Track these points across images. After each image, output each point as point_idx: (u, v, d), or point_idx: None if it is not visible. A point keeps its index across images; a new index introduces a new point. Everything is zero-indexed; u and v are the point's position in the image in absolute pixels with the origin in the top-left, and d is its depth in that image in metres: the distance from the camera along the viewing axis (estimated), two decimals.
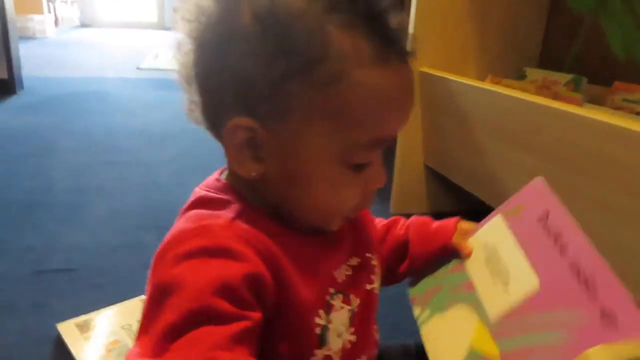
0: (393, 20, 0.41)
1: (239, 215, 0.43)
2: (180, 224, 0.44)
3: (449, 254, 0.58)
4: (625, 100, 1.01)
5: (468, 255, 0.56)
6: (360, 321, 0.49)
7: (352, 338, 0.48)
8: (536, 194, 0.53)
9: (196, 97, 0.45)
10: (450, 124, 1.20)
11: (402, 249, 0.61)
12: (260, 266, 0.41)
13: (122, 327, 0.86)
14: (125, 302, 0.92)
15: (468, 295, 0.53)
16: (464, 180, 1.19)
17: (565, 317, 0.43)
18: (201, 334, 0.37)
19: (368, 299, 0.51)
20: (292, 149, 0.42)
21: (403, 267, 0.61)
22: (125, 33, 5.85)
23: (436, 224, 0.60)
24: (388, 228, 0.62)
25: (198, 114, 0.46)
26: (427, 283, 0.59)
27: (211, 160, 1.71)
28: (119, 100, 2.65)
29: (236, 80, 0.41)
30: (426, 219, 0.62)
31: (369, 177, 0.45)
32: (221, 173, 0.50)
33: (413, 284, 0.60)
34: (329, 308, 0.45)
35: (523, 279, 0.49)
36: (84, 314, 0.89)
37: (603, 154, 0.74)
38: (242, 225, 0.42)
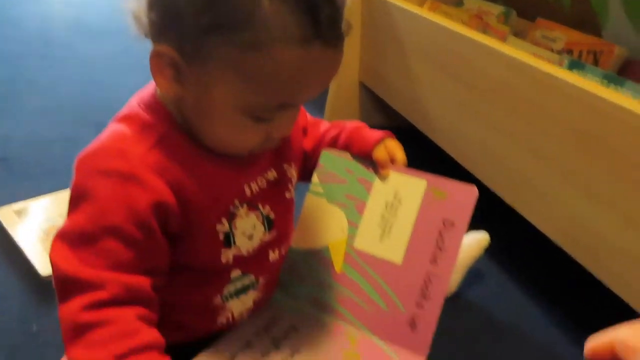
0: (327, 4, 0.43)
1: (158, 143, 0.48)
2: (103, 137, 0.48)
3: (368, 159, 0.61)
4: (544, 36, 1.09)
5: (383, 176, 0.60)
6: (279, 225, 0.57)
7: (272, 237, 0.57)
8: (463, 200, 0.56)
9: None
10: (387, 45, 1.25)
11: (330, 147, 0.65)
12: (168, 195, 0.47)
13: (60, 215, 0.91)
14: (62, 191, 0.96)
15: (354, 213, 0.61)
16: (394, 101, 1.27)
17: (393, 297, 0.56)
18: (107, 249, 0.44)
19: (285, 205, 0.59)
20: (205, 88, 0.45)
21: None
22: None
23: (367, 130, 0.63)
24: (328, 129, 0.66)
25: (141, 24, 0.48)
26: (338, 166, 0.62)
27: None
28: None
29: (170, 12, 0.44)
30: (362, 123, 0.65)
31: (273, 127, 0.49)
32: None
33: (328, 153, 0.63)
34: (232, 216, 0.52)
35: (396, 246, 0.58)
36: (21, 201, 0.93)
37: (514, 87, 0.83)
38: (157, 155, 0.47)
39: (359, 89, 1.44)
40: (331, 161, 0.62)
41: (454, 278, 0.84)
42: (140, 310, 0.45)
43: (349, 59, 1.40)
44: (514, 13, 1.21)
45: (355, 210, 0.61)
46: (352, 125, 0.64)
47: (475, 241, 0.86)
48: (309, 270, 0.60)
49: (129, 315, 0.44)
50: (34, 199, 0.94)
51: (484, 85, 0.90)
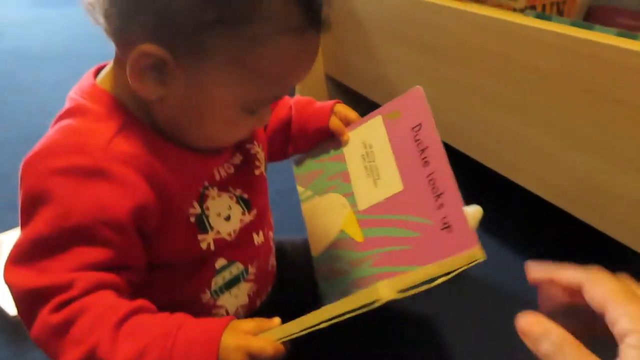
0: None
1: (118, 132, 0.43)
2: (52, 134, 0.43)
3: (328, 137, 0.63)
4: None
5: (345, 141, 0.62)
6: (257, 203, 0.55)
7: (253, 219, 0.54)
8: (414, 103, 0.57)
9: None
10: (347, 32, 1.21)
11: (285, 129, 0.65)
12: (143, 188, 0.43)
13: None
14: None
15: (344, 185, 0.60)
16: (361, 86, 1.23)
17: (419, 220, 0.52)
18: (73, 253, 0.40)
19: (257, 182, 0.56)
20: (199, 86, 0.42)
21: (290, 149, 0.65)
22: None
23: (316, 105, 0.64)
24: (275, 109, 0.65)
25: (99, 15, 0.43)
26: (310, 165, 0.65)
27: None
28: None
29: (158, 8, 0.39)
30: (309, 99, 0.65)
31: (259, 117, 0.48)
32: (96, 74, 0.48)
33: (298, 163, 0.66)
34: (202, 198, 0.49)
35: (390, 179, 0.56)
36: None
37: (474, 44, 0.80)
38: (121, 145, 0.43)
39: (325, 82, 1.41)
40: (302, 165, 0.65)
41: None
42: (117, 293, 0.41)
43: None
44: None
45: (343, 183, 0.60)
46: (299, 103, 0.64)
47: (469, 215, 0.82)
48: (338, 262, 0.58)
49: (105, 295, 0.40)
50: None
51: (452, 50, 0.87)
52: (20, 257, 0.40)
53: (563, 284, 0.33)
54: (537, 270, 0.36)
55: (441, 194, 0.51)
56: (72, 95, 0.46)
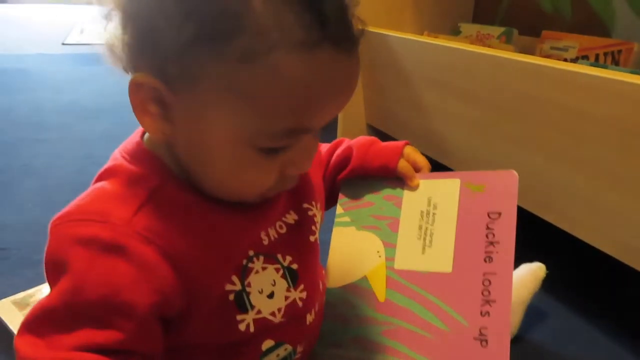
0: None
1: (148, 200, 0.40)
2: (83, 196, 0.41)
3: (390, 177, 0.57)
4: (552, 48, 1.05)
5: (412, 188, 0.55)
6: (306, 277, 0.48)
7: (303, 295, 0.48)
8: (503, 186, 0.52)
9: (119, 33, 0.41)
10: (390, 81, 1.21)
11: (343, 164, 0.59)
12: (166, 272, 0.39)
13: None
14: None
15: (389, 233, 0.54)
16: (406, 136, 1.21)
17: (454, 315, 0.47)
18: (79, 331, 0.36)
19: (310, 251, 0.50)
20: (198, 119, 0.38)
21: (341, 176, 0.59)
22: (46, 8, 5.45)
23: (382, 144, 0.58)
24: (332, 149, 0.61)
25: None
26: (360, 192, 0.58)
27: None
28: (43, 76, 2.48)
29: (145, 30, 0.37)
30: (373, 138, 0.60)
31: (288, 161, 0.41)
32: (144, 133, 0.46)
33: (348, 183, 0.59)
34: (245, 272, 0.44)
35: (441, 254, 0.51)
36: (21, 292, 0.84)
37: (533, 95, 0.77)
38: (147, 217, 0.39)
39: (367, 131, 1.39)
40: (352, 187, 0.58)
41: (514, 319, 0.74)
42: None
43: (353, 102, 1.36)
44: (515, 32, 1.18)
45: (389, 230, 0.54)
46: (362, 141, 0.58)
47: (530, 272, 0.76)
48: (348, 309, 0.52)
49: None
50: (34, 288, 0.86)
51: (501, 101, 0.84)
52: (31, 324, 0.38)
53: None
54: None
55: (492, 301, 0.46)
56: (115, 154, 0.45)
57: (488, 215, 0.50)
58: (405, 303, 0.50)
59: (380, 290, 0.52)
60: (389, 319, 0.50)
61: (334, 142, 0.61)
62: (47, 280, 0.40)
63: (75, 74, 2.54)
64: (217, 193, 0.42)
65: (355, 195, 0.58)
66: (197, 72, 0.36)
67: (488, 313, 0.45)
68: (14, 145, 1.55)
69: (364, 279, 0.53)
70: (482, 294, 0.46)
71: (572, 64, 0.73)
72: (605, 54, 0.95)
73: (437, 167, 1.01)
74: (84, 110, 1.92)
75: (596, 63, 0.91)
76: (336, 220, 0.58)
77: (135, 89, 0.38)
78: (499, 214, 0.50)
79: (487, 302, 0.46)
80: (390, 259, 0.53)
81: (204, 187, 0.42)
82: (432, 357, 0.46)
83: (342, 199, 0.58)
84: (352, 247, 0.56)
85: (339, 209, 0.58)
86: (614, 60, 0.94)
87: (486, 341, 0.44)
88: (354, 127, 1.39)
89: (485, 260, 0.48)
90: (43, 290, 0.85)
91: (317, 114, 0.38)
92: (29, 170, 1.38)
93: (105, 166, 0.44)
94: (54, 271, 0.39)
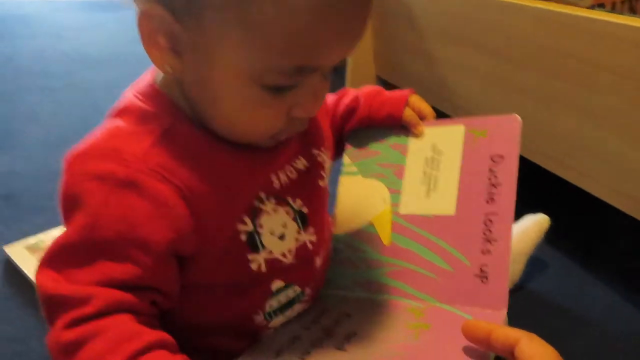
0: None
1: (161, 138, 0.40)
2: (96, 134, 0.42)
3: (396, 125, 0.58)
4: None
5: (417, 135, 0.56)
6: (316, 221, 0.49)
7: (313, 238, 0.49)
8: (506, 130, 0.52)
9: None
10: (401, 32, 1.18)
11: (350, 114, 0.60)
12: (180, 209, 0.39)
13: None
14: None
15: (394, 179, 0.56)
16: (416, 89, 1.19)
17: (457, 255, 0.48)
18: (97, 265, 0.38)
19: (320, 195, 0.51)
20: (205, 52, 0.37)
21: (348, 126, 0.60)
22: None
23: (388, 93, 0.59)
24: (338, 99, 0.61)
25: None
26: (366, 142, 0.59)
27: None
28: (45, 23, 2.43)
29: None
30: (378, 88, 0.60)
31: (295, 102, 0.40)
32: (154, 73, 0.45)
33: (354, 134, 0.60)
34: (256, 213, 0.44)
35: (445, 198, 0.52)
36: (31, 235, 0.86)
37: (547, 44, 0.75)
38: (161, 154, 0.40)
39: (376, 84, 1.37)
40: (358, 137, 0.59)
41: (515, 268, 0.75)
42: (136, 317, 0.38)
43: (362, 53, 1.33)
44: None
45: (394, 177, 0.55)
46: (367, 91, 0.59)
47: (534, 224, 0.77)
48: (354, 253, 0.54)
49: (122, 319, 0.37)
50: (45, 232, 0.87)
51: (513, 51, 0.82)
52: (51, 259, 0.39)
53: (500, 340, 0.38)
54: (475, 328, 0.40)
55: (493, 240, 0.47)
56: (127, 93, 0.44)
57: (491, 159, 0.51)
58: (409, 245, 0.51)
59: (385, 234, 0.53)
60: (393, 261, 0.52)
61: (339, 91, 0.61)
62: (62, 217, 0.40)
63: (78, 22, 2.48)
64: (226, 134, 0.42)
65: (361, 145, 0.58)
66: (204, 2, 0.35)
67: (489, 251, 0.47)
68: (18, 93, 1.54)
69: (370, 225, 0.55)
70: (484, 233, 0.48)
71: (588, 9, 0.70)
72: (623, 2, 0.92)
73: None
74: (87, 58, 1.90)
75: (613, 10, 0.88)
76: (343, 169, 0.59)
77: (144, 19, 0.38)
78: (502, 157, 0.50)
79: (488, 240, 0.47)
80: (395, 204, 0.54)
81: (214, 127, 0.42)
82: (436, 296, 0.47)
83: (348, 149, 0.59)
84: (358, 195, 0.57)
85: (345, 159, 0.59)
86: (631, 8, 0.91)
87: (486, 277, 0.46)
88: (363, 80, 1.37)
89: (487, 202, 0.49)
90: (54, 235, 0.86)
91: (326, 51, 0.37)
92: (34, 118, 1.38)
93: (118, 105, 0.44)
94: (70, 207, 0.39)
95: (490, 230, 0.47)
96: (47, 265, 0.39)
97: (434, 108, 0.58)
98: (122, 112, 0.43)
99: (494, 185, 0.49)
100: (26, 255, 0.82)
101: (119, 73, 1.68)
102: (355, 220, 0.56)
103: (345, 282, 0.54)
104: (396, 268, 0.51)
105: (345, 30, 0.37)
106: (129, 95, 0.44)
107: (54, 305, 0.38)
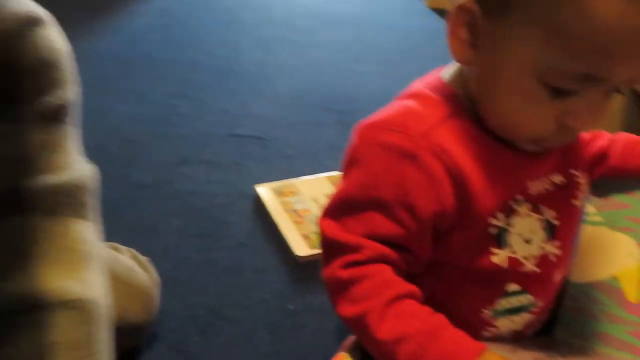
0: None
1: (442, 122, 0.46)
2: (389, 108, 0.48)
3: None
4: None
5: None
6: (564, 236, 0.50)
7: (557, 252, 0.50)
8: None
9: None
10: None
11: (601, 158, 0.58)
12: (448, 188, 0.44)
13: (312, 199, 0.94)
14: (313, 176, 1.00)
15: None
16: None
17: None
18: (369, 218, 0.45)
19: (573, 213, 0.52)
20: (500, 47, 0.41)
21: (598, 170, 0.58)
22: None
23: None
24: (591, 139, 0.59)
25: None
26: (614, 192, 0.58)
27: (388, 50, 1.65)
28: None
29: None
30: (636, 137, 0.58)
31: (570, 110, 0.41)
32: (441, 71, 0.51)
33: (599, 183, 0.58)
34: (510, 212, 0.47)
35: None
36: (276, 180, 0.99)
37: None
38: (440, 136, 0.45)
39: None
40: (605, 186, 0.58)
41: None
42: (395, 270, 0.45)
43: None
44: None
45: None
46: (625, 137, 0.57)
47: None
48: (594, 304, 0.53)
49: (385, 269, 0.45)
50: (288, 180, 0.99)
51: None
52: (331, 210, 0.47)
53: None
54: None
55: None
56: (417, 84, 0.50)
57: None
58: None
59: (631, 290, 0.52)
60: (638, 320, 0.50)
61: (593, 132, 0.59)
62: (343, 170, 0.48)
63: None
64: (496, 127, 0.46)
65: (607, 195, 0.58)
66: (515, 4, 0.39)
67: None
68: (271, 43, 1.72)
69: (613, 279, 0.54)
70: None
71: None
72: None
73: None
74: (330, 17, 2.02)
75: None
76: (587, 218, 0.58)
77: (455, 12, 0.42)
78: None
79: None
80: None
81: (487, 120, 0.46)
82: None
83: (591, 198, 0.59)
84: (602, 247, 0.56)
85: (590, 208, 0.58)
86: None
87: None
88: None
89: None
90: (296, 184, 0.98)
91: (617, 65, 0.38)
92: (282, 69, 1.53)
93: (409, 90, 0.50)
94: (353, 164, 0.47)
95: None
96: (327, 214, 0.48)
97: None
98: (412, 96, 0.49)
99: None
100: (273, 197, 0.95)
101: (353, 35, 1.76)
102: (598, 272, 0.55)
103: (582, 330, 0.53)
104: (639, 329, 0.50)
105: None
106: (419, 86, 0.50)
107: (332, 248, 0.46)
